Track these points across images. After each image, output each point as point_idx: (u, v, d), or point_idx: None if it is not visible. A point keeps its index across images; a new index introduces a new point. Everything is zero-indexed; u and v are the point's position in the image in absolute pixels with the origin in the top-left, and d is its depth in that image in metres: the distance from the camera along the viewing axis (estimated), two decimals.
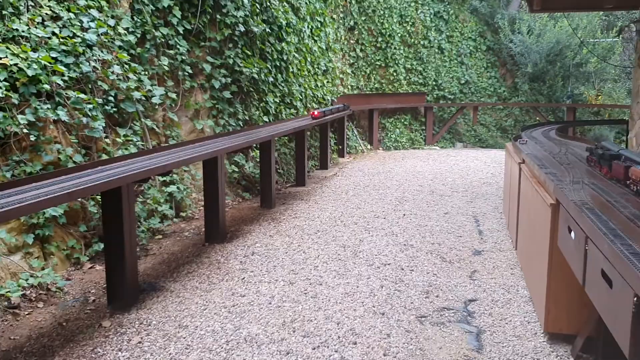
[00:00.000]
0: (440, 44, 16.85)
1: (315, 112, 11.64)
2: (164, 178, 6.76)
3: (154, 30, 7.43)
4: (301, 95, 11.66)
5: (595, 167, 4.37)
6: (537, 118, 17.00)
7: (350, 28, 15.20)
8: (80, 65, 5.86)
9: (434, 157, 13.89)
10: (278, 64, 10.54)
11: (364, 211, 8.04)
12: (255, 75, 9.44)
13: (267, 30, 9.89)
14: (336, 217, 7.62)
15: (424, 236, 6.62)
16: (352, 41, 15.30)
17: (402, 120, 16.18)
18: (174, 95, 7.64)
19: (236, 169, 8.75)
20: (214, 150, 6.10)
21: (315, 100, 12.64)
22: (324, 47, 13.19)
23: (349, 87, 15.00)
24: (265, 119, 10.00)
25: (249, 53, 9.33)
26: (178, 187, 7.22)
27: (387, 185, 10.22)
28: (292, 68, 11.14)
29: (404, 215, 7.80)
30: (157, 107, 7.34)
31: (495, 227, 7.05)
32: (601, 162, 4.17)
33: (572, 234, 2.97)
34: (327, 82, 13.41)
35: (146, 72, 7.22)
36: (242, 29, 8.95)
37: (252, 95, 9.69)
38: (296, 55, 11.23)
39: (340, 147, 13.64)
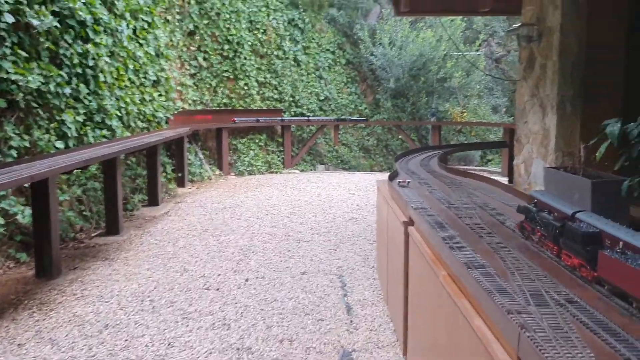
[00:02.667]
0: (297, 56, 15.07)
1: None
2: None
3: None
4: (120, 112, 9.05)
5: (544, 246, 2.51)
6: (400, 136, 15.88)
7: (190, 33, 12.82)
8: None
9: (292, 184, 11.93)
10: (81, 71, 7.89)
11: (190, 277, 5.72)
12: (41, 86, 6.76)
13: (59, 26, 7.22)
14: (145, 294, 5.21)
15: (270, 325, 4.45)
16: (192, 48, 12.93)
17: (257, 141, 14.08)
18: None
19: (1, 222, 5.96)
20: None
21: (141, 117, 10.06)
22: (153, 53, 10.68)
23: (190, 101, 12.58)
24: (60, 144, 7.29)
25: (27, 55, 6.63)
26: None
27: (232, 227, 7.98)
28: (105, 77, 8.51)
29: (247, 281, 5.60)
30: None
31: (369, 296, 5.10)
32: (565, 244, 2.29)
33: None
34: (159, 95, 10.89)
35: None
36: (9, 20, 6.23)
37: (37, 112, 6.96)
38: (108, 60, 8.62)
39: (179, 174, 11.16)
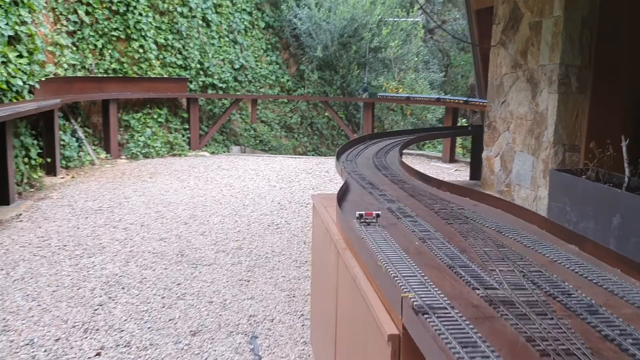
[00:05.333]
0: (206, 15, 12.60)
1: None
2: None
3: None
4: None
5: None
6: (327, 113, 13.95)
7: None
8: None
9: (198, 172, 9.69)
10: None
11: (8, 346, 3.50)
12: None
13: None
14: None
15: None
16: None
17: (156, 117, 11.61)
18: None
19: None
20: None
21: None
22: (7, 0, 8.00)
23: (67, 66, 9.92)
24: None
25: None
26: None
27: (102, 242, 5.73)
28: None
29: (99, 355, 3.46)
30: None
31: None
32: None
33: None
34: (18, 56, 8.24)
35: None
36: None
37: None
38: None
39: (48, 160, 8.62)
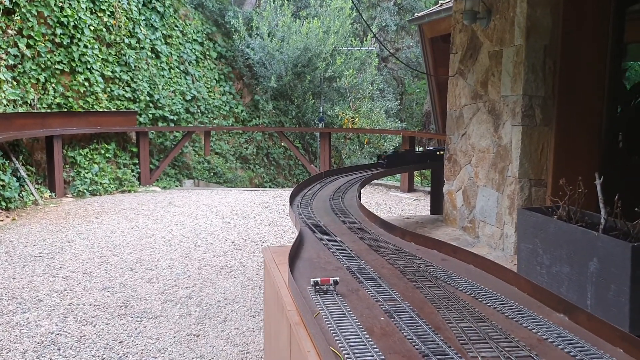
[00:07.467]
0: (155, 46, 12.28)
1: None
2: None
3: None
4: None
5: None
6: (283, 143, 13.73)
7: (6, 11, 9.64)
8: None
9: (148, 210, 9.25)
10: None
11: None
12: None
13: None
14: None
15: None
16: (10, 31, 9.74)
17: (103, 152, 11.13)
18: None
19: None
20: None
21: None
22: None
23: (6, 102, 9.40)
24: None
25: None
26: None
27: (39, 294, 5.27)
28: None
29: None
30: None
31: None
32: None
33: None
34: None
35: None
36: None
37: None
38: None
39: None
